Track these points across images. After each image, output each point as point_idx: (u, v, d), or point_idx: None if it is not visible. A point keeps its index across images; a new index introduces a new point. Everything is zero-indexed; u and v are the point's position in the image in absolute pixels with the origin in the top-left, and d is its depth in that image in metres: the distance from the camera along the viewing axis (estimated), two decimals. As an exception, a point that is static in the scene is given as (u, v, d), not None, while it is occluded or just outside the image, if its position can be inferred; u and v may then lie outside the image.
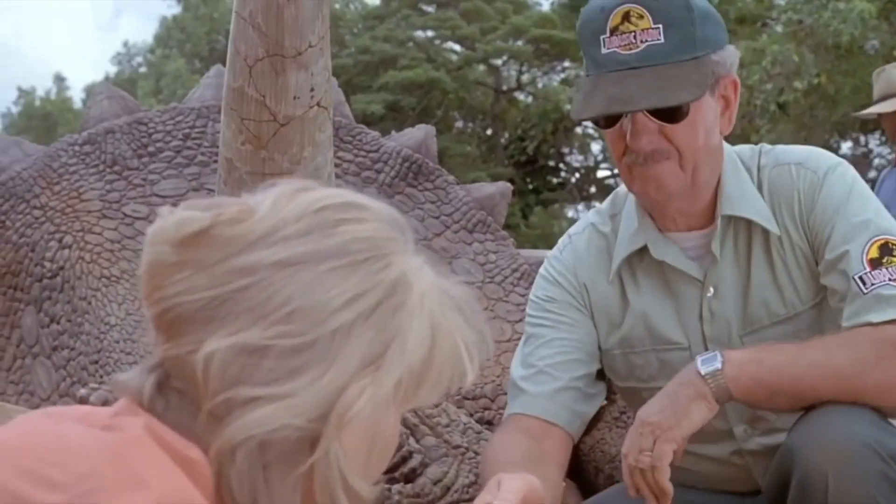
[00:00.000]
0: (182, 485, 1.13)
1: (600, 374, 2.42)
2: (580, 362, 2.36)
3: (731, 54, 2.25)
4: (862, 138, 22.65)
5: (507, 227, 3.69)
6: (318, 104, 2.27)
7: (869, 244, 2.19)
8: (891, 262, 2.17)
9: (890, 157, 8.42)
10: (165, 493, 1.10)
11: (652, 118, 2.15)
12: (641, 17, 2.13)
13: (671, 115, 2.16)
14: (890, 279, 2.14)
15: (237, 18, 2.19)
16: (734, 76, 2.27)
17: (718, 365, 2.10)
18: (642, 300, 2.37)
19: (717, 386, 2.10)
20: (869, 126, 20.05)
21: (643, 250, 2.34)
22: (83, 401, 1.92)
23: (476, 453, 2.52)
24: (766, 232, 2.29)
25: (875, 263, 2.17)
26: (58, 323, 3.11)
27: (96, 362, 2.96)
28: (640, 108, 2.14)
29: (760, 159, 2.35)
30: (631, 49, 2.13)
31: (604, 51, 2.16)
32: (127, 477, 1.09)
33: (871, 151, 23.46)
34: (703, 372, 2.10)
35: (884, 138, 22.12)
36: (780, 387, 2.10)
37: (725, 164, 2.31)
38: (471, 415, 2.68)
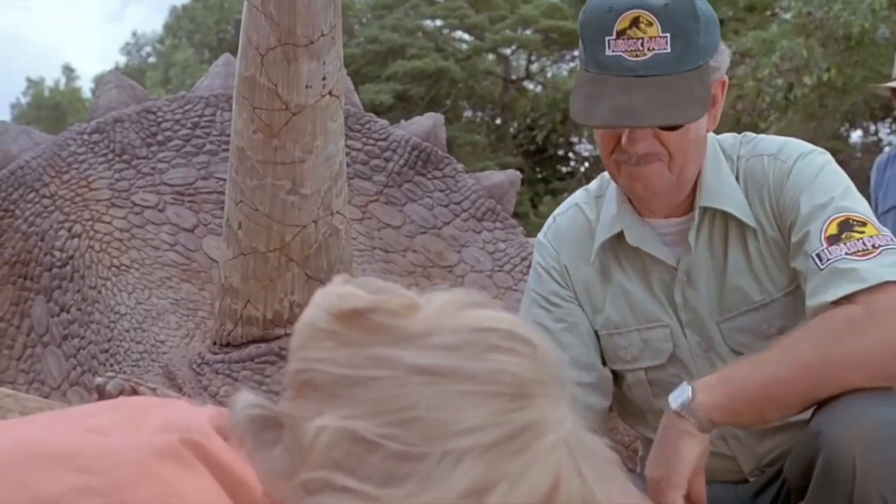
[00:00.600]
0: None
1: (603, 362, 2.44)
2: (584, 360, 2.38)
3: (724, 56, 2.26)
4: (872, 126, 22.60)
5: (516, 215, 3.69)
6: (329, 93, 2.27)
7: (828, 222, 2.19)
8: (850, 238, 2.15)
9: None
10: None
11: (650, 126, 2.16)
12: (650, 24, 2.12)
13: (670, 125, 2.17)
14: (846, 253, 2.12)
15: (249, 7, 2.19)
16: (724, 77, 2.27)
17: (689, 394, 2.08)
18: (624, 280, 2.39)
19: (695, 417, 2.07)
20: (879, 114, 20.00)
21: (621, 235, 2.35)
22: (100, 389, 1.92)
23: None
24: (742, 223, 2.30)
25: (833, 240, 2.16)
26: (68, 312, 3.11)
27: (106, 351, 2.96)
28: (650, 125, 2.15)
29: (740, 149, 2.36)
30: (637, 56, 2.13)
31: (608, 52, 2.15)
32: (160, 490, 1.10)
33: (881, 140, 23.41)
34: (676, 408, 2.07)
35: (895, 126, 22.10)
36: (757, 396, 2.07)
37: (708, 155, 2.32)
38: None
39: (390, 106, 22.28)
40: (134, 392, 1.91)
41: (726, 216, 2.30)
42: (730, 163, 2.35)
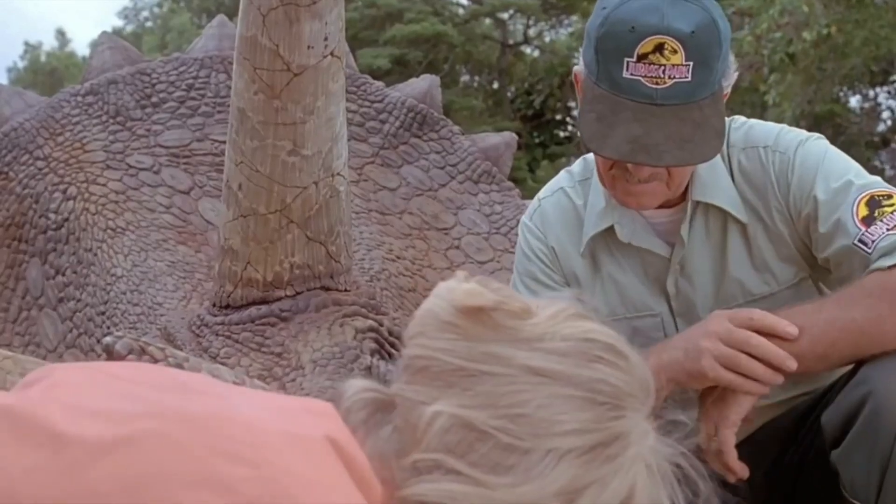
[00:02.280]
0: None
1: None
2: None
3: (732, 72, 2.23)
4: (871, 92, 22.55)
5: (513, 180, 3.67)
6: (331, 54, 2.26)
7: (856, 204, 2.17)
8: (882, 214, 2.14)
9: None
10: None
11: None
12: (675, 52, 2.06)
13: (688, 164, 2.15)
14: (888, 230, 2.11)
15: None
16: (729, 89, 2.25)
17: None
18: (614, 270, 2.38)
19: None
20: (878, 79, 19.96)
21: (611, 228, 2.34)
22: (109, 349, 1.93)
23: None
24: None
25: (868, 220, 2.14)
26: (63, 275, 3.10)
27: (103, 313, 2.96)
28: (668, 165, 2.11)
29: (731, 135, 2.32)
30: (657, 84, 2.06)
31: (626, 75, 2.08)
32: (317, 479, 1.17)
33: (879, 105, 23.37)
34: None
35: (892, 89, 22.05)
36: (802, 349, 2.08)
37: None
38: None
39: (388, 70, 22.20)
40: (143, 352, 1.91)
41: (722, 209, 2.29)
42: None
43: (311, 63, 2.24)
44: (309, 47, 2.23)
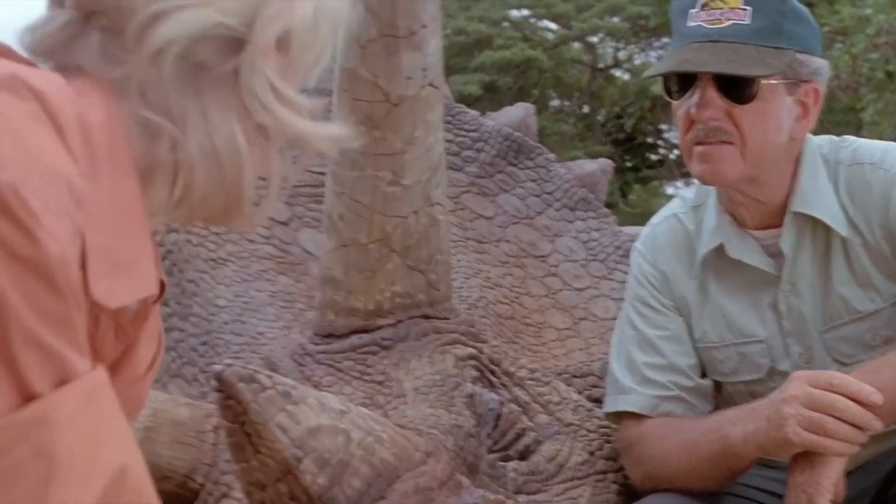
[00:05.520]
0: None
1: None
2: (684, 368, 2.39)
3: (820, 64, 2.23)
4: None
5: (606, 205, 3.67)
6: (430, 84, 2.29)
7: None
8: None
9: None
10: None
11: (720, 94, 2.15)
12: None
13: (739, 94, 2.16)
14: None
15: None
16: (818, 85, 2.25)
17: None
18: (721, 294, 2.38)
19: None
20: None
21: (720, 248, 2.34)
22: (219, 376, 1.97)
23: (588, 430, 2.53)
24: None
25: None
26: (167, 305, 3.15)
27: (205, 343, 3.00)
28: (707, 70, 2.16)
29: (839, 154, 2.33)
30: (715, 24, 2.16)
31: (689, 24, 2.19)
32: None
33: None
34: None
35: None
36: (885, 410, 2.06)
37: (805, 158, 2.30)
38: (579, 392, 2.67)
39: (478, 97, 22.25)
40: (252, 380, 1.94)
41: (825, 223, 2.28)
42: (827, 167, 2.32)
43: (410, 94, 2.28)
44: (408, 78, 2.26)
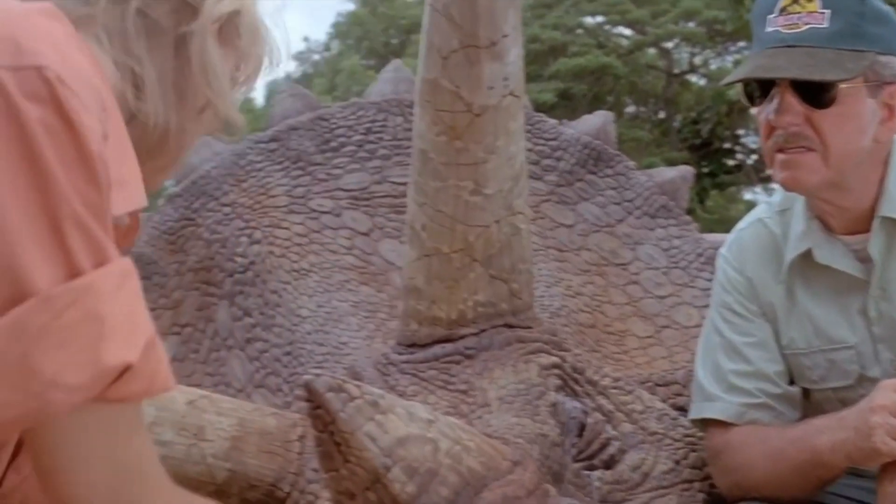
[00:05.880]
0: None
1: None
2: (771, 375, 2.37)
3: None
4: None
5: (685, 211, 3.65)
6: (511, 93, 2.30)
7: None
8: None
9: None
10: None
11: (799, 99, 2.13)
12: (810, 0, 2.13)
13: (818, 98, 2.13)
14: None
15: (431, 11, 2.23)
16: None
17: None
18: (809, 300, 2.35)
19: None
20: None
21: (808, 254, 2.32)
22: (308, 386, 1.99)
23: (674, 439, 2.51)
24: None
25: None
26: (250, 316, 3.19)
27: (289, 353, 3.03)
28: (780, 76, 2.14)
29: None
30: (792, 29, 2.14)
31: (768, 29, 2.18)
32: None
33: None
34: None
35: None
36: None
37: (893, 161, 2.26)
38: (663, 401, 2.66)
39: (553, 105, 22.22)
40: (340, 389, 1.96)
41: None
42: None
43: (492, 103, 2.28)
44: (489, 88, 2.27)
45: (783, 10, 2.15)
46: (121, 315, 1.25)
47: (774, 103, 2.16)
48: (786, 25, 2.15)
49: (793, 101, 2.14)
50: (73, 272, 1.22)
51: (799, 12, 2.13)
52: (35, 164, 1.20)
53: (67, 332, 1.19)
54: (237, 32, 1.56)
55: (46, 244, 1.20)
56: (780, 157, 2.21)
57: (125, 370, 1.24)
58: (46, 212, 1.21)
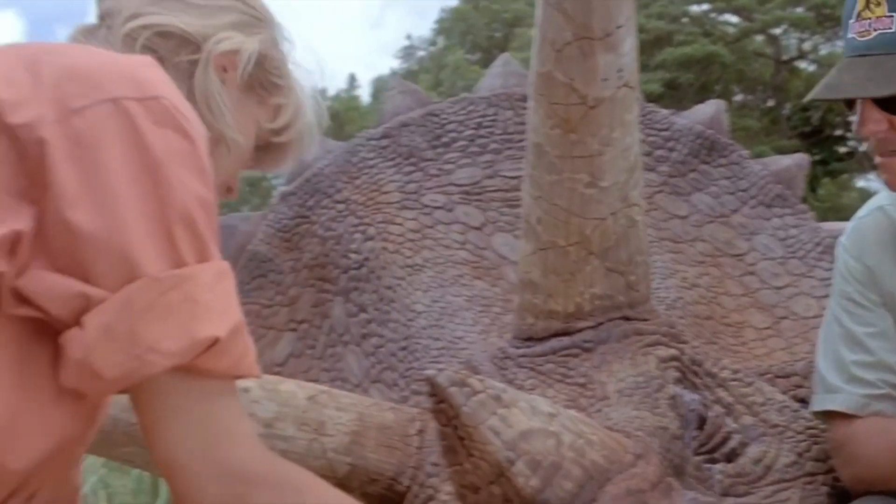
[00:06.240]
0: None
1: None
2: (893, 366, 2.34)
3: None
4: None
5: (798, 200, 3.61)
6: (625, 85, 2.29)
7: None
8: None
9: None
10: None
11: (878, 108, 2.12)
12: (879, 4, 2.11)
13: (894, 105, 2.12)
14: None
15: (544, 5, 2.23)
16: None
17: None
18: None
19: None
20: None
21: None
22: (432, 381, 2.02)
23: (796, 432, 2.48)
24: None
25: None
26: (365, 312, 3.22)
27: (404, 348, 3.05)
28: (842, 97, 2.15)
29: None
30: (864, 36, 2.14)
31: (848, 35, 2.17)
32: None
33: None
34: None
35: None
36: None
37: None
38: (784, 393, 2.62)
39: (660, 94, 22.07)
40: (464, 384, 1.97)
41: None
42: None
43: (607, 95, 2.28)
44: (604, 80, 2.26)
45: (859, 16, 2.14)
46: (213, 302, 1.42)
47: (857, 115, 2.16)
48: (860, 32, 2.13)
49: (872, 111, 2.13)
50: (179, 264, 1.39)
51: (870, 18, 2.12)
52: (155, 173, 1.39)
53: (168, 309, 1.37)
54: (264, 83, 1.79)
55: (159, 239, 1.38)
56: (877, 160, 2.19)
57: (213, 344, 1.40)
58: (162, 212, 1.38)
